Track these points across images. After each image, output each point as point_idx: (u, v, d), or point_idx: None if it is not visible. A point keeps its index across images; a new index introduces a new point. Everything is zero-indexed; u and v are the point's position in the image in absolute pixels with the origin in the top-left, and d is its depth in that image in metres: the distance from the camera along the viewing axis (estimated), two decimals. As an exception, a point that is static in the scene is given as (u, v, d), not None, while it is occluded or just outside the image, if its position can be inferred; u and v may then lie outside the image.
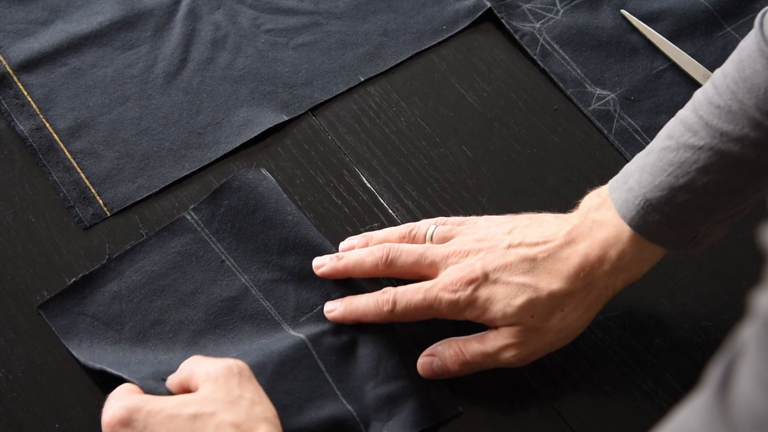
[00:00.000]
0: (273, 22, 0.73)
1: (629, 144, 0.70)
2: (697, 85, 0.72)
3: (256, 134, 0.68)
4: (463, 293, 0.55)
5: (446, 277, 0.56)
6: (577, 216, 0.57)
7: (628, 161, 0.69)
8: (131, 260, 0.61)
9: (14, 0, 0.72)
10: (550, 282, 0.55)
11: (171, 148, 0.67)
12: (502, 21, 0.74)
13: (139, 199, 0.64)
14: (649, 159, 0.54)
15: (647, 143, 0.69)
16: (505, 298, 0.54)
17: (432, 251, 0.57)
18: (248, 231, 0.62)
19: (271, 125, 0.68)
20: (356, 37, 0.73)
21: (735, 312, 0.63)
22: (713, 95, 0.52)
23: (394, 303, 0.56)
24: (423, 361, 0.57)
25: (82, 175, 0.65)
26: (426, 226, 0.60)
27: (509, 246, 0.56)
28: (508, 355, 0.55)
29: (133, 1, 0.73)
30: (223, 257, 0.61)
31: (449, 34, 0.74)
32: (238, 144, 0.67)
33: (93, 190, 0.65)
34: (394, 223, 0.64)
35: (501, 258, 0.55)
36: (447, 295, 0.55)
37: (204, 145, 0.67)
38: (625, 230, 0.54)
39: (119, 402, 0.49)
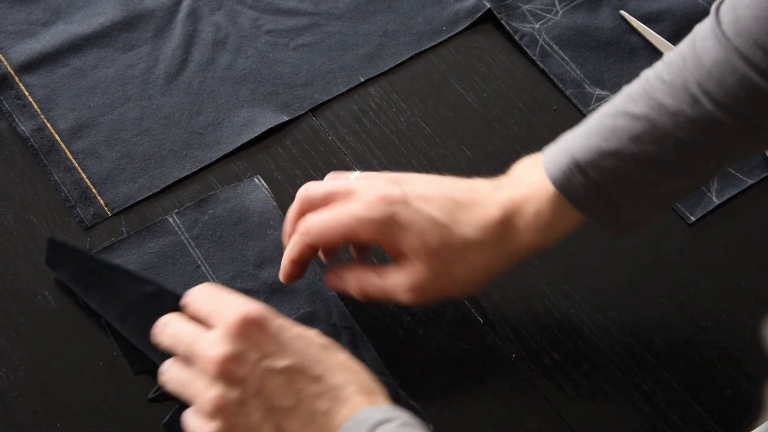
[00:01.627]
0: (273, 22, 0.74)
1: (628, 144, 0.70)
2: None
3: (256, 134, 0.68)
4: (381, 210, 0.52)
5: (364, 194, 0.53)
6: (507, 175, 0.56)
7: (627, 161, 0.69)
8: (108, 257, 0.61)
9: (15, 1, 0.72)
10: (462, 227, 0.52)
11: (172, 149, 0.67)
12: (502, 22, 0.75)
13: (140, 199, 0.65)
14: (587, 124, 0.53)
15: (646, 143, 0.70)
16: (418, 231, 0.52)
17: (349, 183, 0.55)
18: (228, 240, 0.62)
19: (272, 125, 0.68)
20: (356, 38, 0.74)
21: (734, 312, 0.64)
22: (662, 70, 0.52)
23: (309, 226, 0.53)
24: (330, 276, 0.57)
25: (83, 175, 0.65)
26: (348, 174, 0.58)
27: (434, 181, 0.55)
28: (404, 297, 0.53)
29: (134, 2, 0.73)
30: (199, 263, 0.61)
31: (449, 35, 0.74)
32: (238, 144, 0.67)
33: (94, 191, 0.65)
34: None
35: (423, 187, 0.54)
36: (363, 212, 0.52)
37: (205, 145, 0.67)
38: (547, 188, 0.53)
39: (250, 304, 0.48)
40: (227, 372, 0.46)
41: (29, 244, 0.62)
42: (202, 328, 0.49)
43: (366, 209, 0.52)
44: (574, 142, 0.52)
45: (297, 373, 0.47)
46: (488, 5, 0.75)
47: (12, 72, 0.69)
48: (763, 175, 0.69)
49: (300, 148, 0.68)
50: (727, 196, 0.68)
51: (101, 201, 0.64)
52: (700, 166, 0.52)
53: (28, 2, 0.72)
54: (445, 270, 0.53)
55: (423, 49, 0.73)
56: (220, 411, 0.47)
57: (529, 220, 0.53)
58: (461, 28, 0.75)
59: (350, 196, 0.54)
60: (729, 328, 0.63)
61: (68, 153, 0.66)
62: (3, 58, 0.69)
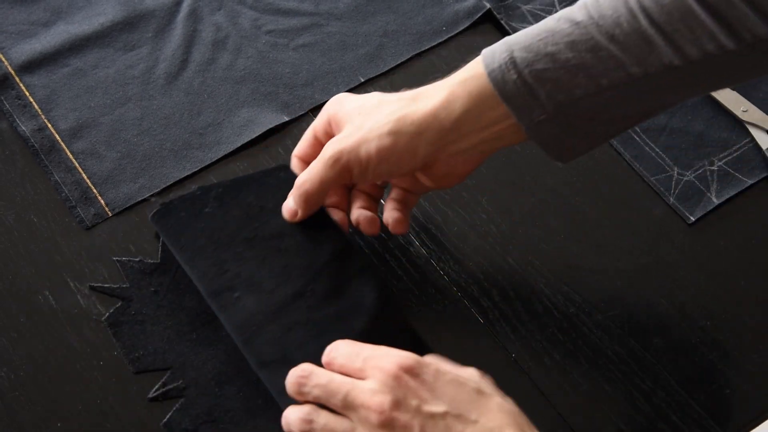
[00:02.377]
0: (274, 23, 0.74)
1: (627, 144, 0.70)
2: (696, 86, 0.73)
3: (256, 135, 0.68)
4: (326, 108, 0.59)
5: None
6: None
7: (626, 161, 0.69)
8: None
9: (16, 1, 0.72)
10: (383, 97, 0.57)
11: (172, 149, 0.67)
12: (502, 22, 0.75)
13: (140, 199, 0.65)
14: (533, 25, 0.54)
15: (645, 143, 0.70)
16: (350, 107, 0.58)
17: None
18: None
19: (272, 126, 0.68)
20: (356, 38, 0.74)
21: (733, 312, 0.64)
22: None
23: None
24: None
25: (83, 175, 0.65)
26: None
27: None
28: (327, 159, 0.57)
29: (134, 2, 0.73)
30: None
31: (449, 35, 0.74)
32: (238, 144, 0.67)
33: (94, 191, 0.65)
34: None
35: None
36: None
37: (205, 145, 0.67)
38: (482, 77, 0.53)
39: (401, 353, 0.49)
40: (390, 420, 0.47)
41: (30, 244, 0.62)
42: (354, 379, 0.50)
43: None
44: (515, 40, 0.53)
45: (454, 418, 0.47)
46: (488, 5, 0.75)
47: (12, 72, 0.69)
48: (763, 175, 0.69)
49: (300, 148, 0.68)
50: (727, 196, 0.68)
51: (102, 201, 0.64)
52: (631, 88, 0.52)
53: (28, 2, 0.72)
54: (358, 124, 0.56)
55: (423, 49, 0.74)
56: None
57: (444, 84, 0.55)
58: (461, 28, 0.75)
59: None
60: (729, 328, 0.63)
61: (69, 153, 0.66)
62: (3, 59, 0.69)
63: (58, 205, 0.64)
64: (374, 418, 0.47)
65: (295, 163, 0.62)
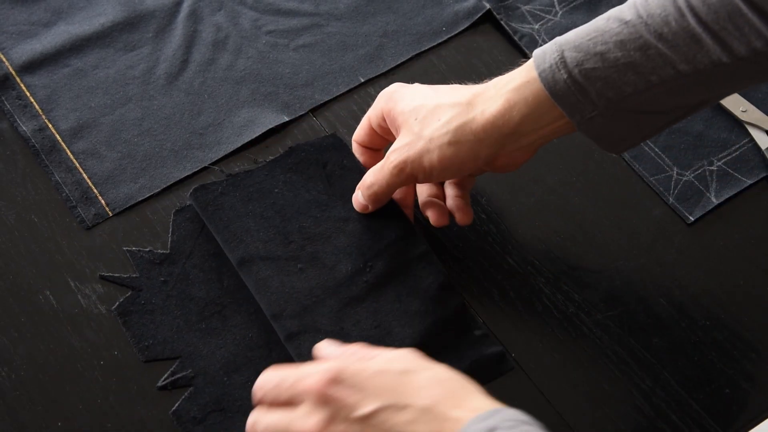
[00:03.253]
0: (274, 23, 0.74)
1: (628, 144, 0.70)
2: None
3: (257, 135, 0.68)
4: (382, 98, 0.61)
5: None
6: None
7: (626, 162, 0.70)
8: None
9: (17, 1, 0.72)
10: (442, 97, 0.58)
11: (172, 149, 0.67)
12: (501, 22, 0.75)
13: (140, 199, 0.65)
14: (584, 24, 0.55)
15: (645, 143, 0.70)
16: (407, 100, 0.60)
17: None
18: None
19: (272, 126, 0.69)
20: (356, 39, 0.74)
21: (732, 311, 0.64)
22: None
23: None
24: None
25: (84, 175, 0.65)
26: None
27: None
28: (390, 165, 0.59)
29: (134, 2, 0.73)
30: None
31: (449, 36, 0.74)
32: (239, 144, 0.67)
33: (95, 191, 0.65)
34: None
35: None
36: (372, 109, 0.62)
37: (205, 145, 0.67)
38: (533, 77, 0.55)
39: (320, 367, 0.49)
40: None
41: (30, 243, 0.63)
42: (289, 409, 0.50)
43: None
44: (565, 39, 0.55)
45: (386, 411, 0.48)
46: (488, 6, 0.75)
47: (13, 72, 0.69)
48: (762, 176, 0.69)
49: (300, 149, 0.68)
50: (726, 197, 0.68)
51: (102, 201, 0.64)
52: (678, 82, 0.53)
53: (29, 3, 0.72)
54: (417, 131, 0.57)
55: (423, 49, 0.74)
56: None
57: (500, 91, 0.56)
58: (461, 28, 0.75)
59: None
60: (728, 327, 0.63)
61: (69, 153, 0.66)
62: (4, 59, 0.70)
63: (58, 205, 0.64)
64: None
65: (355, 147, 0.65)
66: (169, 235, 0.63)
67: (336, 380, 0.49)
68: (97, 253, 0.62)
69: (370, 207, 0.61)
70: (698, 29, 0.51)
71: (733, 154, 0.70)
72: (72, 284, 0.61)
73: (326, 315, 0.59)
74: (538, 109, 0.55)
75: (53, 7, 0.72)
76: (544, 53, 0.55)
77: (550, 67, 0.54)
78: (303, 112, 0.70)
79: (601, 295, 0.64)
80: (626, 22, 0.53)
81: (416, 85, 0.61)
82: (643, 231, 0.67)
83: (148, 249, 0.62)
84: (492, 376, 0.59)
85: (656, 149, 0.70)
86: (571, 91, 0.54)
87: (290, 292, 0.59)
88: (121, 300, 0.60)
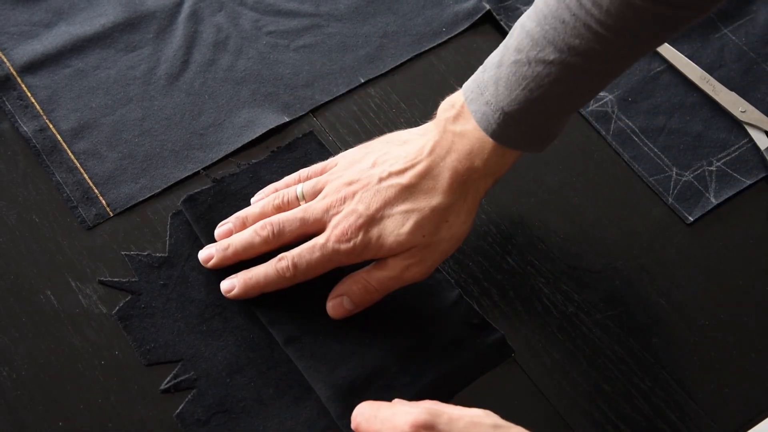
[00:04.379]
0: (274, 24, 0.74)
1: (627, 145, 0.70)
2: (694, 87, 0.73)
3: (257, 135, 0.68)
4: (356, 239, 0.58)
5: (335, 229, 0.58)
6: (435, 129, 0.60)
7: (625, 162, 0.70)
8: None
9: (18, 2, 0.72)
10: (429, 200, 0.58)
11: (173, 149, 0.67)
12: (501, 23, 0.75)
13: (141, 199, 0.65)
14: (503, 72, 0.56)
15: (644, 144, 0.71)
16: (394, 230, 0.57)
17: (311, 210, 0.59)
18: None
19: (273, 126, 0.69)
20: (356, 39, 0.74)
21: (732, 311, 0.64)
22: (558, 8, 0.54)
23: (295, 266, 0.58)
24: (333, 304, 0.59)
25: (85, 175, 0.66)
26: (293, 188, 0.62)
27: (380, 180, 0.59)
28: (412, 272, 0.58)
29: (135, 3, 0.73)
30: None
31: (449, 36, 0.75)
32: (239, 145, 0.68)
33: (96, 191, 0.65)
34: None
35: (378, 196, 0.58)
36: (343, 246, 0.58)
37: (206, 145, 0.68)
38: (487, 141, 0.57)
39: (417, 407, 0.49)
40: None
41: (31, 244, 0.63)
42: None
43: (345, 242, 0.58)
44: (498, 96, 0.56)
45: None
46: (488, 7, 0.76)
47: (14, 73, 0.69)
48: (761, 176, 0.69)
49: (300, 149, 0.68)
50: (725, 197, 0.68)
51: (103, 201, 0.65)
52: (613, 77, 0.57)
53: (30, 3, 0.72)
54: (432, 240, 0.58)
55: (423, 50, 0.74)
56: None
57: (480, 170, 0.58)
58: (461, 29, 0.75)
59: (320, 226, 0.59)
60: (727, 327, 0.63)
61: (70, 153, 0.66)
62: (5, 59, 0.70)
63: (59, 206, 0.64)
64: None
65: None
66: (167, 238, 0.63)
67: (428, 424, 0.48)
68: (97, 253, 0.63)
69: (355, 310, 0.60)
70: (609, 35, 0.53)
71: (733, 155, 0.70)
72: (73, 284, 0.61)
73: (324, 315, 0.59)
74: (503, 169, 0.60)
75: (54, 7, 0.73)
76: (486, 117, 0.57)
77: (500, 126, 0.56)
78: (303, 113, 0.70)
79: (601, 295, 0.64)
80: (551, 62, 0.54)
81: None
82: (642, 231, 0.67)
83: (146, 253, 0.62)
84: (495, 362, 0.60)
85: (655, 149, 0.70)
86: (532, 136, 0.58)
87: (284, 298, 0.60)
88: (121, 304, 0.60)
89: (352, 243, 0.57)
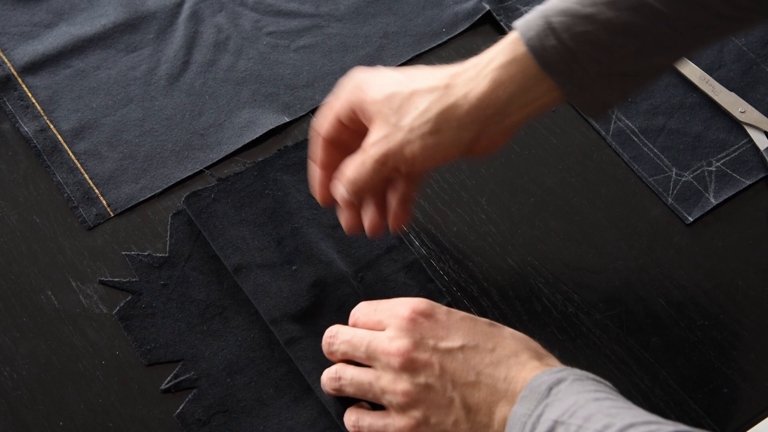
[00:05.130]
0: (274, 24, 0.74)
1: (626, 145, 0.70)
2: (694, 87, 0.73)
3: (257, 135, 0.68)
4: (350, 85, 0.56)
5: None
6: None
7: (625, 162, 0.70)
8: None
9: (18, 3, 0.72)
10: (416, 82, 0.54)
11: (173, 149, 0.67)
12: (501, 24, 0.75)
13: (142, 199, 0.65)
14: None
15: (644, 144, 0.71)
16: (377, 87, 0.54)
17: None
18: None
19: (273, 126, 0.69)
20: (357, 40, 0.74)
21: (731, 311, 0.64)
22: None
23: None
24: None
25: (85, 175, 0.66)
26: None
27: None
28: (370, 156, 0.55)
29: (136, 4, 0.73)
30: None
31: (448, 37, 0.75)
32: (240, 145, 0.68)
33: (96, 191, 0.65)
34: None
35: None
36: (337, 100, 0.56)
37: (206, 146, 0.68)
38: (518, 49, 0.52)
39: (413, 300, 0.52)
40: (410, 361, 0.50)
41: (32, 244, 0.63)
42: (374, 332, 0.53)
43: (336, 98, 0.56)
44: (549, 5, 0.51)
45: (471, 350, 0.51)
46: (487, 7, 0.76)
47: (15, 73, 0.69)
48: (761, 176, 0.70)
49: (301, 149, 0.68)
50: (725, 197, 0.68)
51: (104, 201, 0.65)
52: (672, 40, 0.51)
53: (31, 4, 0.73)
54: (394, 122, 0.53)
55: (423, 50, 0.74)
56: (413, 399, 0.50)
57: (484, 71, 0.52)
58: (461, 29, 0.75)
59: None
60: (726, 327, 0.63)
61: (71, 154, 0.66)
62: (6, 60, 0.70)
63: (60, 206, 0.64)
64: (395, 361, 0.50)
65: (321, 145, 0.58)
66: (167, 238, 0.63)
67: (427, 312, 0.52)
68: (98, 253, 0.63)
69: (351, 201, 0.57)
70: None
71: (732, 155, 0.71)
72: (73, 284, 0.61)
73: (325, 315, 0.59)
74: (526, 84, 0.52)
75: (55, 8, 0.73)
76: (528, 22, 0.51)
77: (537, 35, 0.51)
78: (303, 113, 0.70)
79: (601, 295, 0.64)
80: None
81: (383, 69, 0.56)
82: (642, 231, 0.67)
83: (146, 253, 0.62)
84: None
85: (655, 150, 0.70)
86: (562, 58, 0.50)
87: (288, 296, 0.60)
88: (122, 304, 0.60)
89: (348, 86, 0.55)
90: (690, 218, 0.67)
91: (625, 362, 0.61)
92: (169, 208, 0.65)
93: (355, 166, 0.55)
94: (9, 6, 0.72)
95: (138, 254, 0.62)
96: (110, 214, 0.64)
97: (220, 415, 0.57)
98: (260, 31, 0.74)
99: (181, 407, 0.57)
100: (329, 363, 0.56)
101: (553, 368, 0.49)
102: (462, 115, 0.52)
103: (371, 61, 0.73)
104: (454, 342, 0.51)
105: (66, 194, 0.65)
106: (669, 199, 0.68)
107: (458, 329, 0.51)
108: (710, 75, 0.74)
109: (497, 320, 0.62)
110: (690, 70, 0.74)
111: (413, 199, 0.58)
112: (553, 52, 0.50)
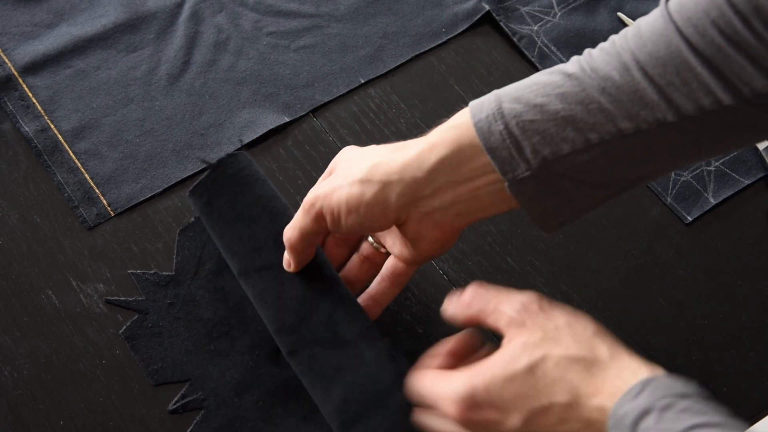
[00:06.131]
0: (275, 24, 0.74)
1: (626, 145, 0.70)
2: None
3: (257, 135, 0.68)
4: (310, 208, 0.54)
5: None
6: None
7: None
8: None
9: (19, 3, 0.73)
10: (382, 168, 0.52)
11: (174, 149, 0.68)
12: (501, 24, 0.75)
13: (142, 199, 0.65)
14: (525, 78, 0.51)
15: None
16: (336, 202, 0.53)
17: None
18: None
19: (273, 126, 0.69)
20: (357, 40, 0.74)
21: (730, 311, 0.64)
22: (606, 42, 0.51)
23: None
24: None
25: (86, 175, 0.66)
26: None
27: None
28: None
29: (136, 4, 0.73)
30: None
31: (448, 37, 0.75)
32: (240, 145, 0.68)
33: (97, 191, 0.65)
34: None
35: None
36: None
37: (206, 146, 0.68)
38: (467, 127, 0.50)
39: (451, 393, 0.48)
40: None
41: (33, 243, 0.63)
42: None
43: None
44: (505, 91, 0.51)
45: (532, 418, 0.46)
46: (487, 7, 0.76)
47: (16, 73, 0.69)
48: (759, 176, 0.70)
49: (301, 149, 0.69)
50: (724, 197, 0.69)
51: (104, 201, 0.65)
52: (617, 149, 0.49)
53: (31, 4, 0.73)
54: (339, 172, 0.53)
55: (422, 50, 0.74)
56: None
57: (426, 137, 0.51)
58: (460, 30, 0.75)
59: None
60: (726, 327, 0.63)
61: (71, 153, 0.67)
62: (7, 60, 0.70)
63: (60, 206, 0.65)
64: None
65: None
66: (174, 255, 0.63)
67: (473, 405, 0.47)
68: (98, 253, 0.63)
69: (292, 263, 0.56)
70: (643, 83, 0.47)
71: (731, 155, 0.71)
72: (74, 284, 0.61)
73: (322, 322, 0.57)
74: (461, 153, 0.50)
75: (55, 8, 0.73)
76: (482, 104, 0.50)
77: (487, 117, 0.49)
78: (303, 113, 0.70)
79: (600, 295, 0.64)
80: (569, 75, 0.49)
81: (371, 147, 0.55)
82: (641, 231, 0.67)
83: (152, 271, 0.62)
84: None
85: (654, 150, 0.70)
86: (506, 144, 0.49)
87: (286, 303, 0.58)
88: (128, 324, 0.60)
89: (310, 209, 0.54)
90: (689, 218, 0.68)
91: (624, 362, 0.61)
92: (170, 207, 0.65)
93: (290, 220, 0.55)
94: (10, 6, 0.72)
95: (144, 272, 0.62)
96: (111, 214, 0.64)
97: None
98: (260, 31, 0.74)
99: (189, 429, 0.56)
100: (328, 375, 0.55)
101: (627, 392, 0.44)
102: (390, 170, 0.51)
103: (371, 61, 0.73)
104: (513, 421, 0.47)
105: (66, 194, 0.65)
106: (668, 198, 0.68)
107: (507, 402, 0.47)
108: (709, 75, 0.74)
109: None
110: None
111: (385, 300, 0.58)
112: (498, 137, 0.49)
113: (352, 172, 0.52)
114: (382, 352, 0.56)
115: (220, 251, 0.61)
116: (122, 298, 0.61)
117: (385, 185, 0.51)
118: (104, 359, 0.59)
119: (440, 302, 0.62)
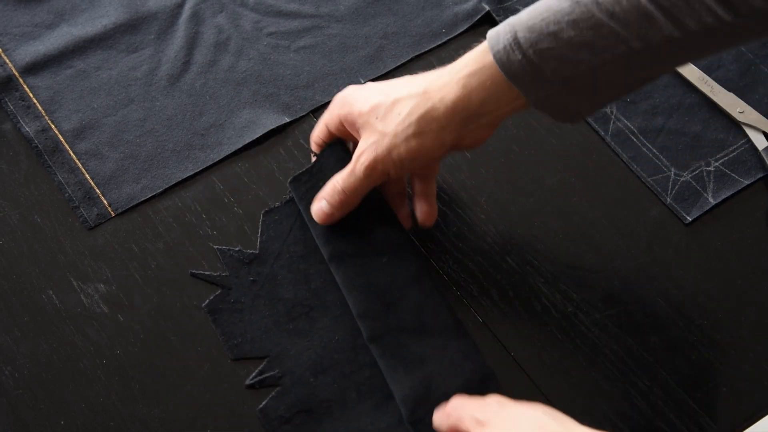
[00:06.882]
0: (275, 25, 0.74)
1: (625, 145, 0.71)
2: (693, 87, 0.74)
3: (258, 135, 0.68)
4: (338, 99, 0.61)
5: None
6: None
7: (624, 162, 0.70)
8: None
9: (20, 3, 0.73)
10: (398, 91, 0.58)
11: (174, 150, 0.68)
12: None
13: (142, 199, 0.65)
14: (536, 3, 0.55)
15: (643, 144, 0.71)
16: (362, 100, 0.59)
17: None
18: None
19: (273, 127, 0.69)
20: (357, 40, 0.74)
21: (730, 311, 0.64)
22: None
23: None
24: (314, 209, 0.61)
25: (86, 175, 0.66)
26: None
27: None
28: (360, 166, 0.58)
29: (137, 4, 0.73)
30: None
31: (448, 37, 0.75)
32: (240, 145, 0.68)
33: (97, 191, 0.65)
34: (394, 223, 0.65)
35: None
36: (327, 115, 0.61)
37: (207, 146, 0.68)
38: (492, 66, 0.55)
39: (466, 411, 0.51)
40: None
41: (33, 243, 0.63)
42: None
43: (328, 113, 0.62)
44: (519, 18, 0.54)
45: None
46: (487, 8, 0.76)
47: (16, 74, 0.69)
48: (759, 176, 0.70)
49: (301, 149, 0.69)
50: (723, 197, 0.69)
51: (105, 201, 0.65)
52: (634, 59, 0.53)
53: (32, 5, 0.73)
54: (381, 129, 0.57)
55: (422, 51, 0.74)
56: None
57: (455, 77, 0.56)
58: (460, 30, 0.75)
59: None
60: (725, 326, 0.64)
61: (72, 154, 0.67)
62: (7, 60, 0.70)
63: (61, 206, 0.65)
64: None
65: (315, 149, 0.64)
66: (258, 235, 0.63)
67: (479, 422, 0.50)
68: (99, 253, 0.63)
69: (336, 215, 0.60)
70: (649, 6, 0.51)
71: (731, 155, 0.71)
72: (75, 284, 0.62)
73: (409, 311, 0.59)
74: (496, 91, 0.56)
75: (56, 8, 0.73)
76: (498, 35, 0.55)
77: (504, 48, 0.54)
78: (304, 113, 0.70)
79: (600, 295, 0.64)
80: (578, 2, 0.53)
81: (369, 84, 0.61)
82: (641, 231, 0.67)
83: (237, 248, 0.63)
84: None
85: (654, 150, 0.71)
86: (526, 71, 0.54)
87: (375, 291, 0.59)
88: (212, 297, 0.61)
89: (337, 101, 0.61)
90: (689, 218, 0.68)
91: (624, 362, 0.61)
92: (170, 207, 0.65)
93: (343, 177, 0.59)
94: (10, 6, 0.72)
95: (229, 249, 0.63)
96: (111, 214, 0.65)
97: (302, 414, 0.57)
98: (261, 31, 0.74)
99: (264, 403, 0.58)
100: (411, 361, 0.57)
101: None
102: (440, 116, 0.57)
103: (371, 61, 0.73)
104: None
105: (67, 194, 0.65)
106: (668, 198, 0.68)
107: None
108: (709, 75, 0.74)
109: (497, 321, 0.62)
110: (689, 70, 0.74)
111: (434, 194, 0.63)
112: (518, 66, 0.54)
113: (400, 128, 0.57)
114: (467, 346, 0.58)
115: (314, 236, 0.62)
116: (207, 273, 0.62)
117: (438, 131, 0.57)
118: (105, 359, 0.59)
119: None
